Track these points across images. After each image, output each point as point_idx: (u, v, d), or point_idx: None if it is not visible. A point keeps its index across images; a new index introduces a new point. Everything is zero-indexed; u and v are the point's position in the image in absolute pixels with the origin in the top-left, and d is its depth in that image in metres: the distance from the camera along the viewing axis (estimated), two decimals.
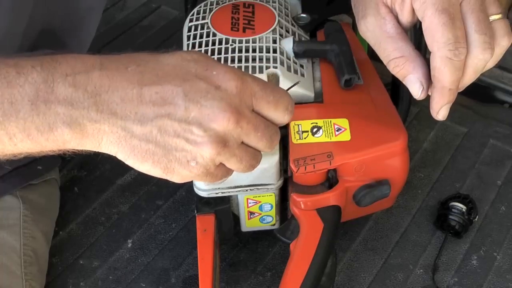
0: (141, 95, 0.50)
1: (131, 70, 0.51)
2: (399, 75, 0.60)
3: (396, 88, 0.84)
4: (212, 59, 0.54)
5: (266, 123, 0.54)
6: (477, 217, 0.81)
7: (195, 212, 0.71)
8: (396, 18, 0.60)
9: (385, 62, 0.60)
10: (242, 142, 0.54)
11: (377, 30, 0.60)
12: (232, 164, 0.54)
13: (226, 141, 0.52)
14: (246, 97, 0.52)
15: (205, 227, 0.70)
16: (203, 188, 0.69)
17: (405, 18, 0.59)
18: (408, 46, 0.59)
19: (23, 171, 0.76)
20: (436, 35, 0.55)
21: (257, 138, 0.54)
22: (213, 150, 0.51)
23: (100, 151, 0.53)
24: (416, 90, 0.59)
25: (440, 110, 0.60)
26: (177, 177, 0.54)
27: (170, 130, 0.51)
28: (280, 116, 0.55)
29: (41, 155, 0.57)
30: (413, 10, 0.58)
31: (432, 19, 0.55)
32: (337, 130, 0.68)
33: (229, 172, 0.56)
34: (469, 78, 0.58)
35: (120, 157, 0.53)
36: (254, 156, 0.55)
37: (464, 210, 0.79)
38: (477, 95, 0.98)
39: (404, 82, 0.60)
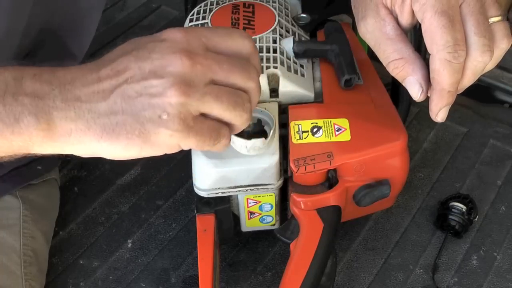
0: (99, 76, 0.51)
1: (89, 64, 0.53)
2: (398, 77, 0.60)
3: (396, 88, 0.84)
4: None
5: (228, 56, 0.52)
6: (477, 217, 0.81)
7: (195, 212, 0.71)
8: (396, 19, 0.60)
9: (384, 64, 0.60)
10: (214, 82, 0.51)
11: (376, 32, 0.60)
12: (212, 106, 0.51)
13: (189, 80, 0.50)
14: (194, 39, 0.52)
15: (205, 227, 0.70)
16: (203, 188, 0.69)
17: (405, 19, 0.59)
18: (408, 48, 0.59)
19: (23, 171, 0.76)
20: (435, 37, 0.55)
21: (225, 71, 0.52)
22: (177, 91, 0.49)
23: (71, 148, 0.52)
24: (416, 92, 0.59)
25: (439, 112, 0.60)
26: (158, 144, 0.51)
27: (131, 92, 0.50)
28: (239, 44, 0.53)
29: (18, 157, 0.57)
30: (412, 12, 0.58)
31: (432, 21, 0.55)
32: (337, 130, 0.68)
33: (217, 127, 0.52)
34: (468, 80, 0.58)
35: (94, 144, 0.51)
36: (234, 93, 0.52)
37: (464, 210, 0.79)
38: (477, 95, 0.98)
39: (403, 84, 0.60)
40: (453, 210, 0.80)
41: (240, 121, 0.53)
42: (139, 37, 0.55)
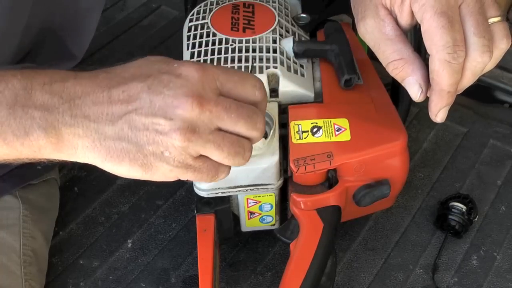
0: (110, 96, 0.52)
1: (101, 77, 0.53)
2: (398, 77, 0.60)
3: (396, 88, 0.84)
4: (173, 59, 0.55)
5: (238, 103, 0.53)
6: (477, 217, 0.81)
7: (195, 212, 0.71)
8: (395, 20, 0.60)
9: (384, 64, 0.60)
10: (220, 129, 0.53)
11: (376, 32, 0.60)
12: (212, 153, 0.53)
13: (195, 127, 0.51)
14: (209, 81, 0.52)
15: (205, 227, 0.70)
16: (203, 188, 0.69)
17: (404, 20, 0.59)
18: (407, 48, 0.59)
19: (23, 171, 0.76)
20: (434, 38, 0.55)
21: (232, 120, 0.52)
22: (181, 136, 0.51)
23: (77, 159, 0.54)
24: (415, 93, 0.59)
25: (438, 113, 0.60)
26: (158, 174, 0.54)
27: (139, 124, 0.51)
28: (250, 93, 0.54)
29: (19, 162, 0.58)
30: (412, 12, 0.57)
31: (431, 22, 0.55)
32: (337, 130, 0.68)
33: (216, 166, 0.55)
34: (468, 80, 0.58)
35: (98, 162, 0.53)
36: (236, 143, 0.53)
37: (464, 210, 0.79)
38: (477, 95, 0.98)
39: (403, 84, 0.60)
40: (453, 210, 0.80)
41: (238, 164, 0.55)
42: (155, 56, 0.55)
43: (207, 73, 0.52)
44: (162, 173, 0.54)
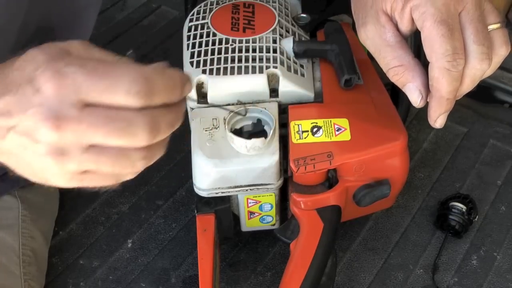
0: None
1: None
2: (398, 83, 0.60)
3: (396, 89, 0.84)
4: (50, 54, 0.47)
5: (107, 115, 0.45)
6: (477, 217, 0.81)
7: (195, 212, 0.71)
8: (396, 26, 0.59)
9: (384, 70, 0.60)
10: (94, 146, 0.46)
11: (376, 38, 0.59)
12: (94, 169, 0.48)
13: (62, 149, 0.46)
14: (69, 94, 0.45)
15: (205, 227, 0.70)
16: (203, 188, 0.69)
17: (405, 26, 0.59)
18: (407, 55, 0.59)
19: None
20: (434, 46, 0.55)
21: (103, 136, 0.45)
22: (53, 160, 0.46)
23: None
24: (415, 99, 0.60)
25: (437, 119, 0.60)
26: (60, 184, 0.49)
27: (20, 142, 0.47)
28: (122, 100, 0.45)
29: None
30: (412, 19, 0.57)
31: (431, 30, 0.55)
32: (337, 130, 0.68)
33: (110, 174, 0.49)
34: (467, 87, 0.58)
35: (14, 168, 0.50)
36: (118, 157, 0.47)
37: (464, 210, 0.79)
38: (477, 95, 0.98)
39: (403, 90, 0.60)
40: (453, 210, 0.80)
41: (130, 176, 0.50)
42: (45, 48, 0.48)
43: (66, 83, 0.45)
44: (64, 184, 0.49)
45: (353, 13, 0.64)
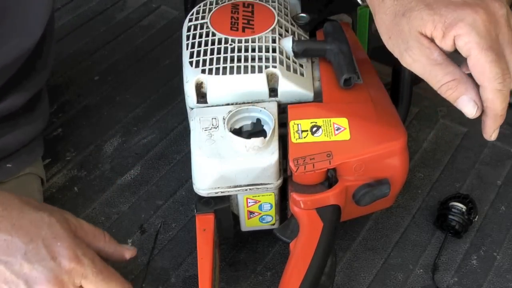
0: None
1: None
2: (451, 98, 0.62)
3: (396, 88, 0.84)
4: (66, 228, 0.64)
5: None
6: (477, 217, 0.81)
7: (195, 211, 0.71)
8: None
9: (436, 87, 0.62)
10: None
11: (424, 60, 0.61)
12: None
13: None
14: (75, 277, 0.62)
15: (205, 227, 0.70)
16: (202, 188, 0.69)
17: (446, 48, 0.61)
18: (457, 70, 0.61)
19: None
20: (485, 71, 0.58)
21: None
22: None
23: None
24: (471, 110, 0.61)
25: (493, 133, 0.64)
26: None
27: (2, 276, 0.60)
28: None
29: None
30: (454, 45, 0.59)
31: (479, 58, 0.58)
32: (337, 130, 0.68)
33: None
34: None
35: None
36: None
37: (464, 210, 0.79)
38: None
39: (456, 104, 0.62)
40: (453, 210, 0.80)
41: None
42: (56, 218, 0.65)
43: (78, 268, 0.62)
44: None
45: (388, 40, 0.65)
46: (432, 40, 0.61)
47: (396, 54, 0.64)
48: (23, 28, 0.75)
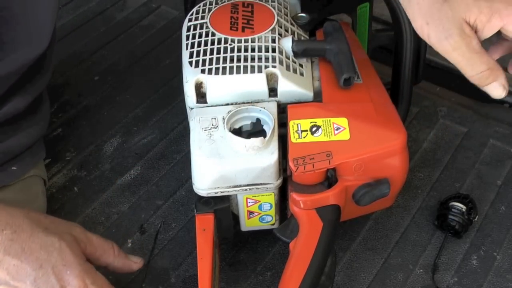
0: (1, 260, 0.61)
1: (5, 234, 0.62)
2: (482, 84, 0.64)
3: (396, 88, 0.84)
4: (76, 254, 0.65)
5: None
6: (477, 217, 0.81)
7: (194, 211, 0.71)
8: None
9: (469, 75, 0.64)
10: None
11: (464, 48, 0.62)
12: None
13: None
14: None
15: (204, 227, 0.70)
16: (202, 188, 0.69)
17: (487, 35, 0.63)
18: (490, 58, 0.63)
19: None
20: None
21: None
22: None
23: None
24: (500, 93, 0.65)
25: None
26: None
27: None
28: None
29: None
30: (495, 30, 0.62)
31: None
32: (336, 129, 0.68)
33: None
34: None
35: None
36: None
37: (464, 210, 0.79)
38: (477, 95, 0.98)
39: (485, 88, 0.65)
40: (453, 210, 0.79)
41: None
42: (66, 243, 0.65)
43: None
44: None
45: (422, 27, 0.65)
46: (473, 27, 0.62)
47: (432, 41, 0.64)
48: (31, 37, 0.76)
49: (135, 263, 0.72)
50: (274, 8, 0.78)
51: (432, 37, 0.63)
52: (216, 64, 0.71)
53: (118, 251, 0.70)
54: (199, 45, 0.74)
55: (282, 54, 0.72)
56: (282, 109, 0.72)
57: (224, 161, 0.67)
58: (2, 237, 0.61)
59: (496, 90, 0.64)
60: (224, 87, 0.71)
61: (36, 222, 0.65)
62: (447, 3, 0.62)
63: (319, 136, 0.68)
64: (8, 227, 0.62)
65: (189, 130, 0.70)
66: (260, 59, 0.71)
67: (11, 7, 0.72)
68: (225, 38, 0.73)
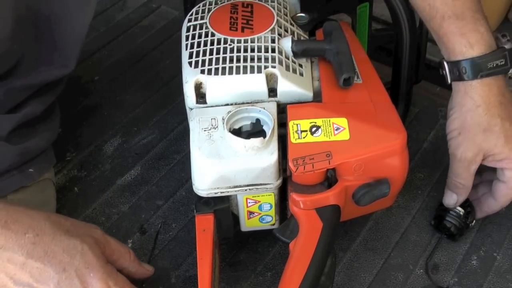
0: (24, 263, 0.61)
1: (27, 237, 0.62)
2: (449, 188, 0.78)
3: (396, 88, 0.84)
4: (98, 256, 0.65)
5: None
6: (474, 221, 0.80)
7: (194, 212, 0.71)
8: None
9: (451, 175, 0.77)
10: None
11: (465, 164, 0.75)
12: None
13: None
14: None
15: (204, 227, 0.70)
16: (202, 188, 0.69)
17: (487, 164, 0.75)
18: (471, 181, 0.76)
19: (14, 175, 0.76)
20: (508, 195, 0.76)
21: None
22: None
23: None
24: (451, 203, 0.79)
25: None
26: None
27: None
28: None
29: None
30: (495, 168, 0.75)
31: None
32: (336, 130, 0.68)
33: None
34: None
35: None
36: None
37: (461, 213, 0.79)
38: None
39: (446, 191, 0.79)
40: (450, 212, 0.79)
41: None
42: (88, 245, 0.65)
43: None
44: None
45: (452, 132, 0.75)
46: (484, 156, 0.74)
47: (452, 146, 0.76)
48: (59, 58, 0.79)
49: (147, 270, 0.73)
50: (274, 8, 0.77)
51: (452, 144, 0.75)
52: (215, 64, 0.71)
53: (133, 257, 0.71)
54: (198, 46, 0.74)
55: (281, 54, 0.72)
56: (281, 109, 0.72)
57: (224, 162, 0.67)
58: (25, 241, 0.62)
59: (450, 199, 0.78)
60: (224, 88, 0.71)
61: (57, 225, 0.65)
62: (483, 134, 0.72)
63: (319, 136, 0.68)
64: (30, 230, 0.62)
65: (189, 131, 0.70)
66: (259, 59, 0.71)
67: (43, 26, 0.75)
68: (224, 39, 0.73)
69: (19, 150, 0.76)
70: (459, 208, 0.79)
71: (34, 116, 0.79)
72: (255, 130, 0.69)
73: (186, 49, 0.74)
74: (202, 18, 0.77)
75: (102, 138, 0.94)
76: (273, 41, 0.73)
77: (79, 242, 0.64)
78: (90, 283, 0.63)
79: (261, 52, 0.72)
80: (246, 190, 0.69)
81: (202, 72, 0.71)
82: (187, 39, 0.75)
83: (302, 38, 0.77)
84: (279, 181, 0.69)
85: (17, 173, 0.76)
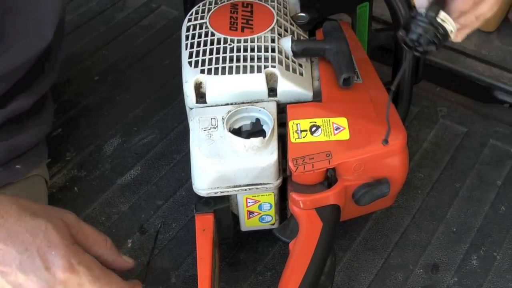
0: None
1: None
2: None
3: (396, 88, 0.83)
4: (63, 236, 0.63)
5: None
6: (451, 32, 0.63)
7: (194, 211, 0.71)
8: None
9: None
10: None
11: None
12: None
13: None
14: (71, 287, 0.62)
15: (204, 227, 0.70)
16: (202, 188, 0.69)
17: None
18: None
19: (0, 171, 0.75)
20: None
21: None
22: None
23: None
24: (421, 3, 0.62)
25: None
26: None
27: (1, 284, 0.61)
28: None
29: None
30: None
31: None
32: (336, 129, 0.68)
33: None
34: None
35: None
36: None
37: (433, 19, 0.60)
38: (477, 95, 0.98)
39: None
40: (419, 18, 0.60)
41: None
42: (53, 224, 0.63)
43: (74, 277, 0.62)
44: None
45: None
46: None
47: None
48: (34, 29, 0.75)
49: (126, 262, 0.71)
50: (274, 8, 0.78)
51: None
52: (215, 64, 0.71)
53: (110, 245, 0.69)
54: (198, 45, 0.74)
55: (281, 54, 0.72)
56: (281, 109, 0.72)
57: (223, 161, 0.67)
58: None
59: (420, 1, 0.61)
60: (224, 87, 0.71)
61: (24, 207, 0.64)
62: None
63: (319, 136, 0.68)
64: None
65: (189, 130, 0.71)
66: (259, 59, 0.71)
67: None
68: (224, 38, 0.73)
69: (6, 147, 0.75)
70: (431, 13, 0.61)
71: (23, 111, 0.77)
72: (255, 130, 0.69)
73: (186, 49, 0.74)
74: (202, 18, 0.77)
75: (102, 138, 0.94)
76: (273, 40, 0.73)
77: (43, 222, 0.63)
78: (52, 261, 0.61)
79: (261, 51, 0.72)
80: (246, 189, 0.69)
81: (202, 71, 0.71)
82: (187, 38, 0.75)
83: (302, 38, 0.78)
84: (279, 181, 0.70)
85: (3, 170, 0.75)
